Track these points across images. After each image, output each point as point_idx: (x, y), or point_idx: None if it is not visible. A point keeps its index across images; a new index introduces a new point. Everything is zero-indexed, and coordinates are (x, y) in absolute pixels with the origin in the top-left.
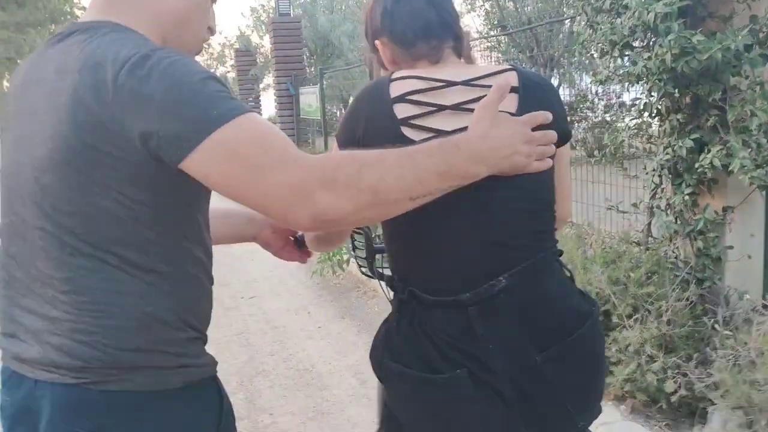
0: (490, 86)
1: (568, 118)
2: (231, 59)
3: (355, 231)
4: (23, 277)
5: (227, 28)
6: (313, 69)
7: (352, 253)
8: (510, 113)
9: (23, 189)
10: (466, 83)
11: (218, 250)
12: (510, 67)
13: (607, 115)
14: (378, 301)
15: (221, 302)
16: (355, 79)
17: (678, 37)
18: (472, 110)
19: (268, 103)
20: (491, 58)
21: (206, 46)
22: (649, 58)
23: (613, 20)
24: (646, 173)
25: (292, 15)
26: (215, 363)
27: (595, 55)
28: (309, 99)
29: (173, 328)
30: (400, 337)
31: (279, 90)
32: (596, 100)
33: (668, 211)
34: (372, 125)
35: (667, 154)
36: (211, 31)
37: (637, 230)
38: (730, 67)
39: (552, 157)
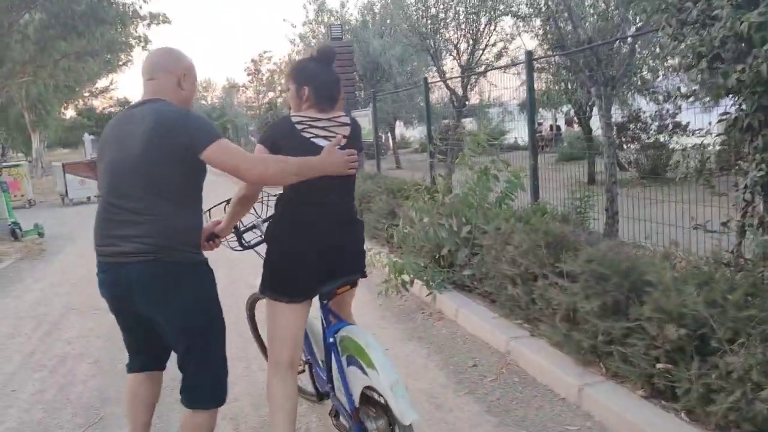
0: (341, 122)
1: (619, 140)
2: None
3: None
4: (120, 212)
5: (277, 54)
6: (362, 93)
7: (226, 244)
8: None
9: (127, 166)
10: (329, 120)
11: None
12: (344, 113)
13: (661, 135)
14: (445, 323)
15: None
16: (403, 101)
17: None
18: (331, 131)
19: None
20: (541, 78)
21: (256, 72)
22: (743, 70)
23: (700, 31)
24: (737, 191)
25: (343, 39)
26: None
27: (677, 69)
28: (360, 122)
29: (189, 232)
30: (281, 218)
31: None
32: (649, 120)
33: (762, 230)
34: (283, 134)
35: (760, 170)
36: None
37: (726, 250)
38: None
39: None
